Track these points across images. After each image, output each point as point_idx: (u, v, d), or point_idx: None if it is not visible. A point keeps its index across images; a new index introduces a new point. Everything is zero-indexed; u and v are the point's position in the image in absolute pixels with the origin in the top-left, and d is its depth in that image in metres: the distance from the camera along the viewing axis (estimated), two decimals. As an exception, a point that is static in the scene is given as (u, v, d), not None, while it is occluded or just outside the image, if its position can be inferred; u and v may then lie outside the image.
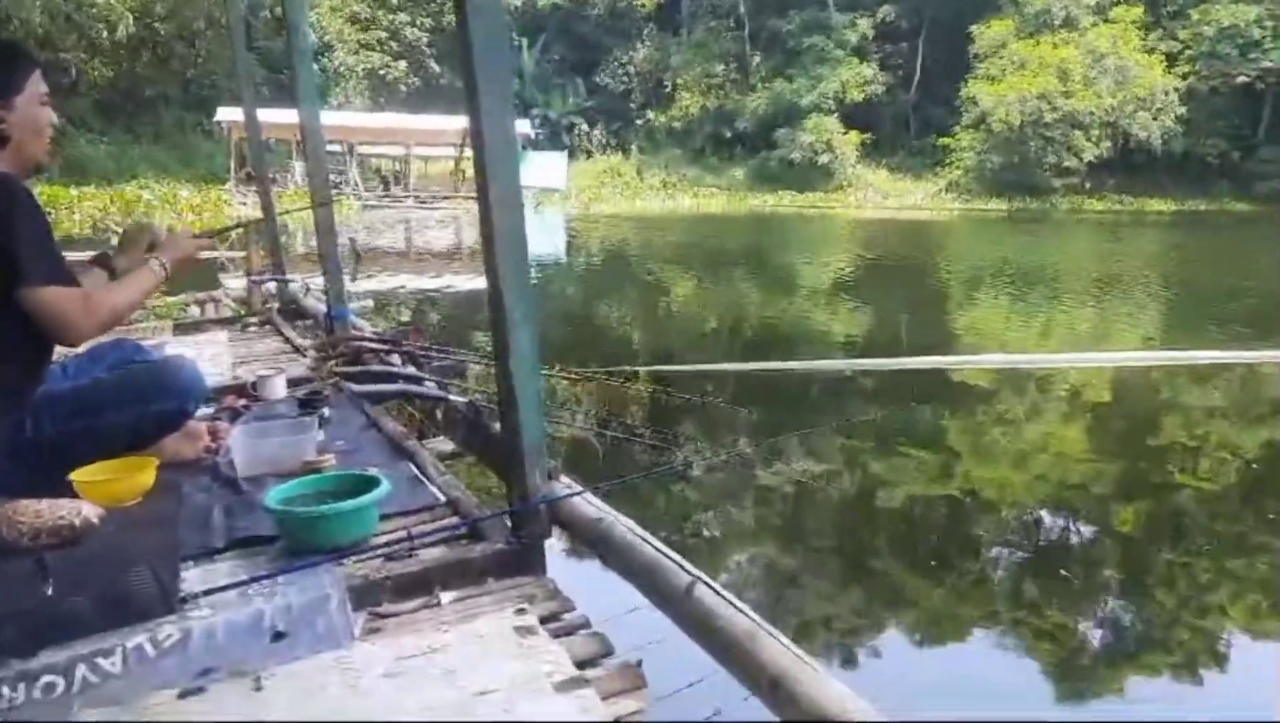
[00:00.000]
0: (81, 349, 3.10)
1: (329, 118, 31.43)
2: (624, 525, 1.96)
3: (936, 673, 3.52)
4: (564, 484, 2.25)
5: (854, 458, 5.94)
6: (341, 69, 41.20)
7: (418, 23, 43.98)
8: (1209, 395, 7.87)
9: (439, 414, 3.26)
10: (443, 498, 2.52)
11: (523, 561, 2.11)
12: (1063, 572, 4.46)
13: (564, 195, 38.74)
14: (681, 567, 1.73)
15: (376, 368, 3.52)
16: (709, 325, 11.44)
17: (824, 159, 43.29)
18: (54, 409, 2.61)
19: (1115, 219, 35.43)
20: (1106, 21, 41.20)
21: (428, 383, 3.41)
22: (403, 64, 43.02)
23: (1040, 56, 39.47)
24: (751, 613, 1.55)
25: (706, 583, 1.66)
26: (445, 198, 33.93)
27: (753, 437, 5.98)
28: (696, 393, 6.65)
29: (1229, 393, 7.94)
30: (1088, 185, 41.25)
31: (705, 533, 4.66)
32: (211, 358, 4.44)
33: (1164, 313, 12.97)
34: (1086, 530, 5.03)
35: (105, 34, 31.08)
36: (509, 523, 2.19)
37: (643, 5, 47.53)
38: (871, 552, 4.69)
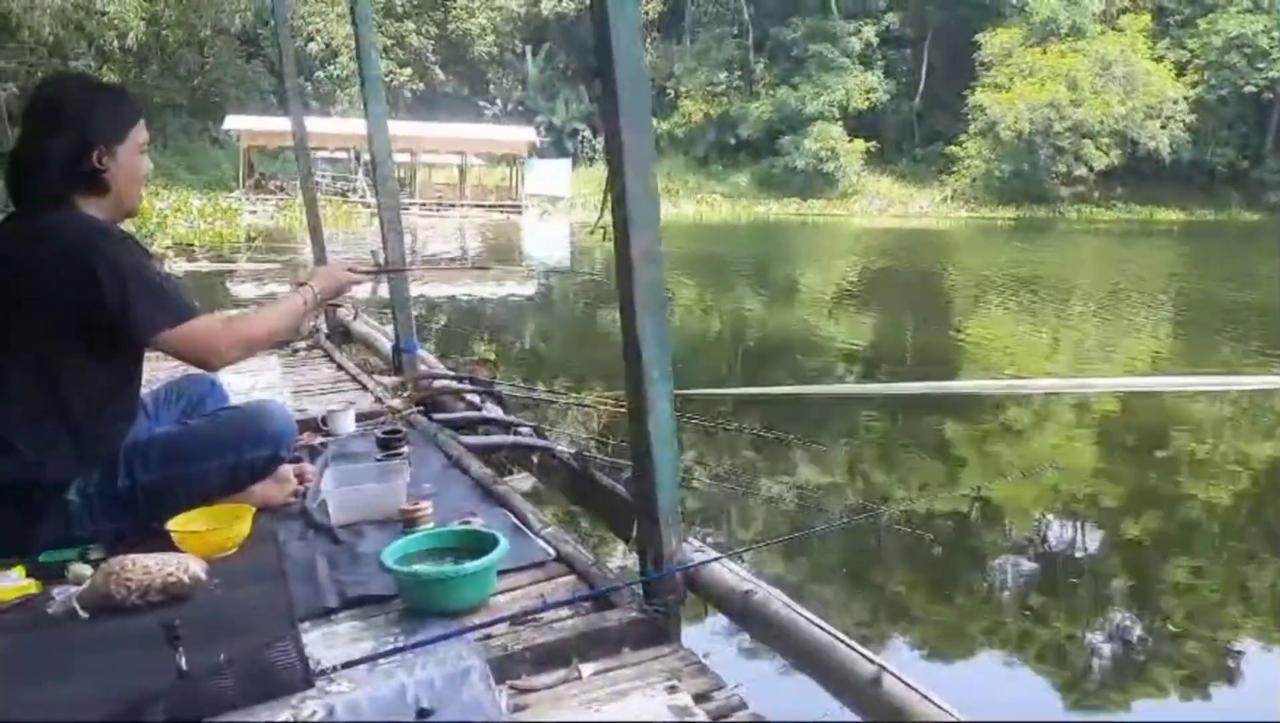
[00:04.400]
0: (158, 385, 3.05)
1: (336, 125, 31.62)
2: (780, 600, 1.88)
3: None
4: (694, 547, 2.18)
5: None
6: (346, 75, 41.17)
7: (423, 30, 44.00)
8: (1220, 411, 7.84)
9: (534, 457, 3.19)
10: (552, 553, 2.45)
11: (657, 629, 2.03)
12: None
13: (569, 203, 38.70)
14: (862, 654, 1.66)
15: (473, 414, 3.45)
16: (747, 342, 11.40)
17: (829, 166, 43.30)
18: (145, 457, 2.56)
19: (1124, 228, 35.42)
20: (1114, 30, 41.28)
21: (524, 429, 3.34)
22: (407, 71, 43.01)
23: (1048, 65, 39.51)
24: (956, 713, 1.48)
25: (894, 674, 1.59)
26: (451, 205, 33.93)
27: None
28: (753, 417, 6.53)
29: (1242, 409, 7.91)
30: (1096, 194, 41.32)
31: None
32: (268, 387, 4.37)
33: (1175, 327, 12.92)
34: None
35: (115, 42, 31.04)
36: (639, 589, 2.12)
37: (646, 13, 47.51)
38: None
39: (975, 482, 5.68)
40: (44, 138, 2.37)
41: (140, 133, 2.48)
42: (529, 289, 16.05)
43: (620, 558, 3.37)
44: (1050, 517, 5.41)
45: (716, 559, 2.09)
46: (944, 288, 17.29)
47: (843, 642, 1.72)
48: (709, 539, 3.17)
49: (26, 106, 2.45)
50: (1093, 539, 5.15)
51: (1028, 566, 4.75)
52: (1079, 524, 5.34)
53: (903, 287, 17.49)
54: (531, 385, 3.91)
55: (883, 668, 1.61)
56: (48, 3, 24.38)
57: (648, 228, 1.97)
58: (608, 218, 2.02)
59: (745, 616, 1.94)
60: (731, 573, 2.05)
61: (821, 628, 1.77)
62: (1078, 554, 5.00)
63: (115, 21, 30.74)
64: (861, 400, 7.90)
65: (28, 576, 2.25)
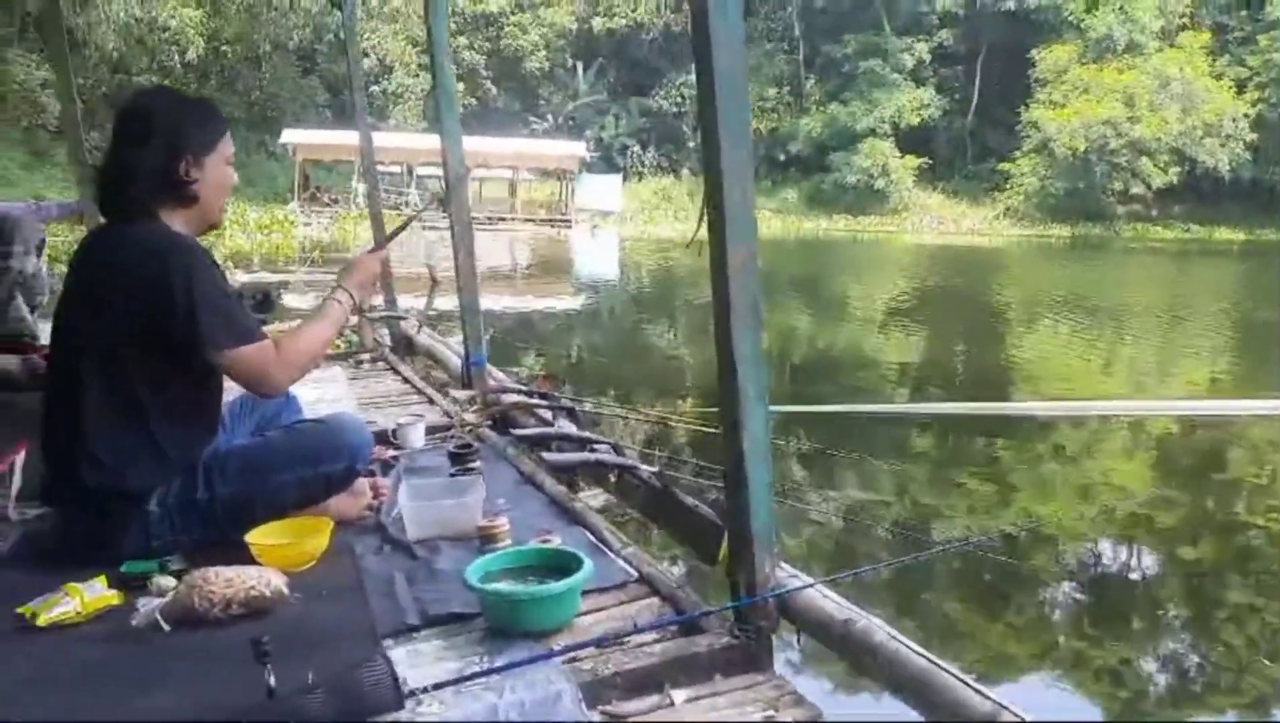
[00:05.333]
0: (232, 397, 3.04)
1: (391, 139, 32.00)
2: (884, 630, 1.81)
3: None
4: (788, 572, 2.11)
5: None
6: (399, 90, 41.67)
7: (475, 46, 44.39)
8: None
9: (611, 475, 3.14)
10: (634, 573, 2.39)
11: (750, 656, 1.96)
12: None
13: (619, 218, 38.77)
14: (976, 689, 1.59)
15: (549, 430, 3.41)
16: (794, 358, 11.29)
17: (879, 183, 42.87)
18: (224, 468, 2.56)
19: (1182, 247, 34.70)
20: (1173, 47, 40.58)
21: (600, 446, 3.29)
22: (460, 86, 43.35)
23: (1105, 82, 38.92)
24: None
25: (1013, 712, 1.51)
26: (501, 219, 34.13)
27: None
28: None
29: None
30: (1153, 212, 40.58)
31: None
32: (335, 400, 4.36)
33: (1234, 350, 12.58)
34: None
35: (176, 57, 31.69)
36: (730, 614, 2.06)
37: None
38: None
39: (1067, 510, 5.54)
40: (133, 148, 2.38)
41: (227, 145, 2.50)
42: (576, 302, 16.09)
43: (689, 577, 3.30)
44: (1143, 545, 5.26)
45: (812, 585, 2.02)
46: (999, 306, 17.04)
47: (955, 676, 1.65)
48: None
49: (116, 119, 2.47)
50: (1188, 565, 4.98)
51: (1121, 594, 4.62)
52: (1160, 550, 5.17)
53: (958, 304, 17.25)
54: (580, 397, 3.86)
55: (1000, 705, 1.54)
56: (114, 19, 24.90)
57: (746, 240, 1.92)
58: (703, 232, 1.96)
59: (844, 645, 1.87)
60: (828, 600, 1.98)
61: (930, 661, 1.70)
62: (1176, 582, 4.83)
63: (177, 37, 31.38)
64: (940, 420, 7.74)
65: (109, 586, 2.24)
